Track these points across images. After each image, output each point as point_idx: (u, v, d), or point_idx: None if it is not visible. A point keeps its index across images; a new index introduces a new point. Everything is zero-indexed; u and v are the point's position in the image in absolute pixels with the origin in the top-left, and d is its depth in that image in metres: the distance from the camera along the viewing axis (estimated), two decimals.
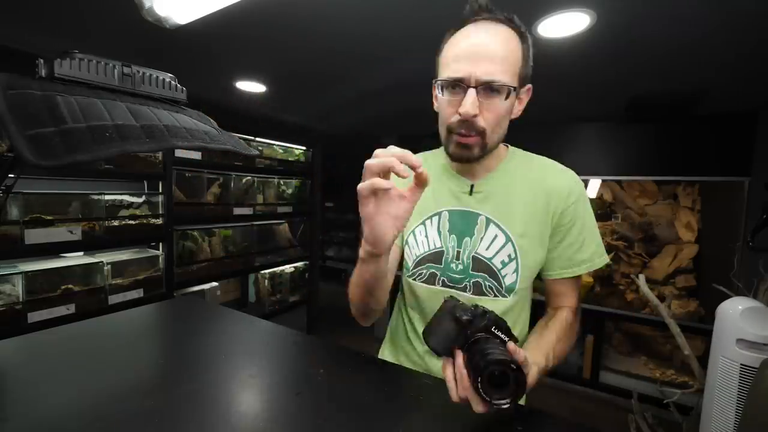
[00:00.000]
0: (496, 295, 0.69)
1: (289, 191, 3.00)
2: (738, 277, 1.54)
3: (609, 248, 2.88)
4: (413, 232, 0.76)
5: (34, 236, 1.50)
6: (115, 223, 1.79)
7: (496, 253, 0.69)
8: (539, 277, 0.74)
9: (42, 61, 0.52)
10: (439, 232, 0.72)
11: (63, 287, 1.62)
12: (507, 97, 0.61)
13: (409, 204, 0.53)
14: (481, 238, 0.70)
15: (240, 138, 0.71)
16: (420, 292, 0.75)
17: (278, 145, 2.90)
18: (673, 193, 2.79)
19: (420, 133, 3.32)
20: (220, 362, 0.74)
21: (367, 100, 2.16)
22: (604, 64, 1.52)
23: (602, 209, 3.00)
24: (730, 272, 1.60)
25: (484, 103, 0.60)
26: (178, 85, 0.66)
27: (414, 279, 0.76)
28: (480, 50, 0.60)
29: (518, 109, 0.68)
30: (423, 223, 0.75)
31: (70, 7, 1.18)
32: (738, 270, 1.69)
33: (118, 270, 1.84)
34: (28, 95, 0.46)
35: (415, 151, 0.86)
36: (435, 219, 0.73)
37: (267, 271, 2.83)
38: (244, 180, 2.61)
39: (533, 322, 0.78)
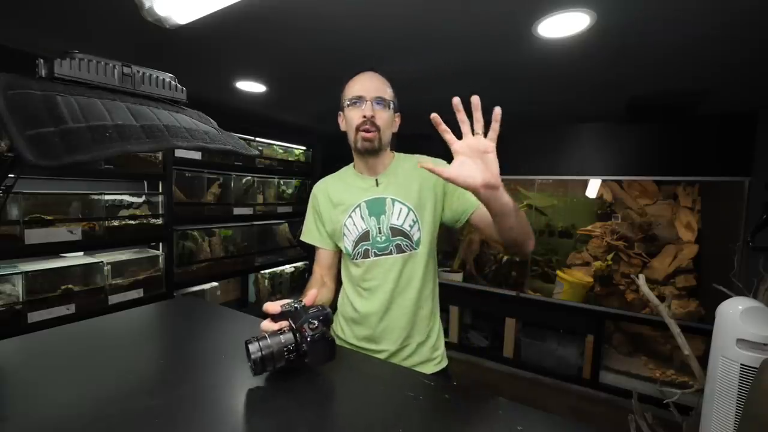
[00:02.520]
0: (411, 249, 0.95)
1: (289, 191, 3.00)
2: (738, 277, 1.54)
3: (609, 248, 2.89)
4: (345, 224, 0.99)
5: (34, 236, 1.50)
6: (115, 223, 1.79)
7: (404, 220, 0.95)
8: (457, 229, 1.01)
9: (42, 61, 0.52)
10: (362, 218, 0.98)
11: (63, 287, 1.62)
12: (389, 108, 0.96)
13: None
14: (392, 213, 0.96)
15: (240, 138, 0.71)
16: (362, 268, 0.98)
17: (278, 145, 2.90)
18: (673, 193, 2.79)
19: (416, 133, 3.33)
20: (220, 362, 0.74)
21: None
22: (604, 64, 1.52)
23: (602, 209, 3.00)
24: (730, 272, 1.60)
25: (377, 109, 0.94)
26: (178, 85, 0.66)
27: (355, 259, 0.99)
28: (371, 82, 0.96)
29: (396, 126, 1.01)
30: (350, 215, 0.99)
31: (70, 7, 1.18)
32: (738, 270, 1.69)
33: (118, 270, 1.84)
34: (28, 95, 0.46)
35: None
36: (357, 210, 0.99)
37: (267, 271, 2.83)
38: (244, 180, 2.61)
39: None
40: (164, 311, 1.10)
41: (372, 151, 0.96)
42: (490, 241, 0.94)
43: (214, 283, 2.42)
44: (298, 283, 3.13)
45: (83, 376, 0.68)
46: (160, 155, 1.95)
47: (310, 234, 1.11)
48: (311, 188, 1.15)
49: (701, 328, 2.17)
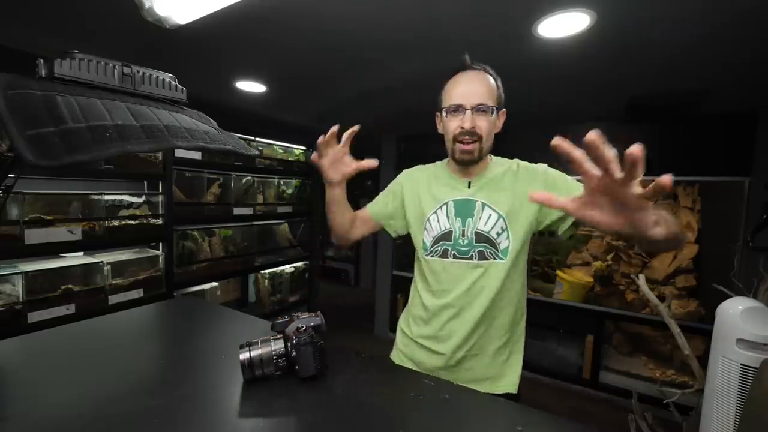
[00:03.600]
0: (495, 258, 0.90)
1: (289, 191, 3.00)
2: (738, 277, 1.54)
3: (609, 248, 2.89)
4: (428, 219, 0.97)
5: (34, 236, 1.50)
6: (115, 223, 1.79)
7: (492, 227, 0.91)
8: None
9: (42, 61, 0.52)
10: (447, 217, 0.95)
11: (63, 287, 1.62)
12: (491, 115, 0.89)
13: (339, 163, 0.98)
14: (480, 218, 0.92)
15: (240, 138, 0.71)
16: (435, 266, 0.95)
17: (278, 145, 2.90)
18: (673, 193, 2.79)
19: (419, 133, 3.32)
20: (220, 362, 0.74)
21: (366, 100, 2.16)
22: (604, 64, 1.52)
23: None
24: (730, 272, 1.60)
25: (477, 118, 0.87)
26: (178, 85, 0.66)
27: (431, 256, 0.96)
28: (471, 87, 0.89)
29: (499, 126, 0.94)
30: (435, 212, 0.97)
31: (70, 7, 1.18)
32: (738, 270, 1.69)
33: (118, 270, 1.84)
34: (28, 95, 0.46)
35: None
36: (444, 207, 0.96)
37: (267, 271, 2.83)
38: (244, 180, 2.61)
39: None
40: (164, 311, 1.10)
41: (471, 162, 0.92)
42: None
43: (214, 283, 2.42)
44: (298, 283, 3.13)
45: (83, 376, 0.68)
46: (160, 155, 1.95)
47: (376, 206, 1.09)
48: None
49: (701, 328, 2.17)
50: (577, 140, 0.50)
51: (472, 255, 0.91)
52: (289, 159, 2.96)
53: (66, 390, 0.63)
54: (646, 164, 0.47)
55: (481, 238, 0.90)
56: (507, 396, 0.90)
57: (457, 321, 0.91)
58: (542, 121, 2.61)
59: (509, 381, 0.93)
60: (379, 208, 1.08)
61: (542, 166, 0.95)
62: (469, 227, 0.91)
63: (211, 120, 0.69)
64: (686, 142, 2.29)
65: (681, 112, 2.16)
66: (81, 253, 1.80)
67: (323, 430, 0.54)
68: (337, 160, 0.96)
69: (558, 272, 2.85)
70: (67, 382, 0.66)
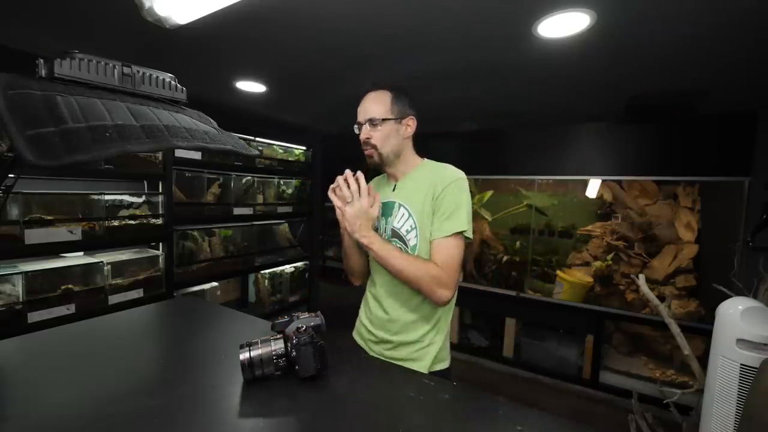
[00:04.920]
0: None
1: (289, 191, 3.00)
2: (738, 277, 1.54)
3: (609, 248, 2.89)
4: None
5: (34, 236, 1.50)
6: (115, 223, 1.79)
7: (403, 224, 1.02)
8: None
9: (42, 61, 0.52)
10: (378, 217, 1.06)
11: (63, 287, 1.62)
12: (382, 124, 1.00)
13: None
14: (396, 217, 1.03)
15: (240, 138, 0.71)
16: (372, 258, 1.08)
17: (278, 145, 2.90)
18: (673, 193, 2.79)
19: (419, 133, 3.32)
20: (220, 362, 0.74)
21: None
22: (604, 64, 1.52)
23: (602, 209, 3.00)
24: (730, 272, 1.60)
25: (371, 130, 1.01)
26: (178, 85, 0.66)
27: None
28: (364, 106, 1.03)
29: (410, 131, 1.05)
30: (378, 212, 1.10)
31: (70, 7, 1.18)
32: (738, 270, 1.69)
33: (118, 270, 1.84)
34: (28, 95, 0.46)
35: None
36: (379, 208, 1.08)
37: (267, 271, 2.83)
38: (244, 180, 2.61)
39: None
40: (164, 311, 1.10)
41: (376, 166, 1.06)
42: None
43: (214, 283, 2.42)
44: (298, 283, 3.13)
45: (83, 376, 0.68)
46: (160, 155, 1.95)
47: None
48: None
49: (701, 328, 2.17)
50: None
51: None
52: (289, 159, 2.96)
53: (66, 390, 0.63)
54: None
55: (395, 234, 1.03)
56: (436, 373, 1.00)
57: (381, 309, 1.04)
58: (542, 121, 2.61)
59: (423, 365, 1.00)
60: None
61: (450, 179, 0.99)
62: (389, 224, 1.04)
63: (211, 120, 0.69)
64: (686, 142, 2.29)
65: (681, 111, 2.16)
66: (81, 253, 1.80)
67: (323, 430, 0.54)
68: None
69: (558, 272, 2.85)
70: (67, 382, 0.66)
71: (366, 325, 1.09)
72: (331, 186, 1.00)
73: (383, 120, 1.00)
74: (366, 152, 1.04)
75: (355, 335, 1.16)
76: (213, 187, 2.40)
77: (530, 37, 1.29)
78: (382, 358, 0.97)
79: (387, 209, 1.06)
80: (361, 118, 1.03)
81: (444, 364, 1.04)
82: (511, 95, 2.01)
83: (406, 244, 1.00)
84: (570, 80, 1.73)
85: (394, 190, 1.07)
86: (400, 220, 1.02)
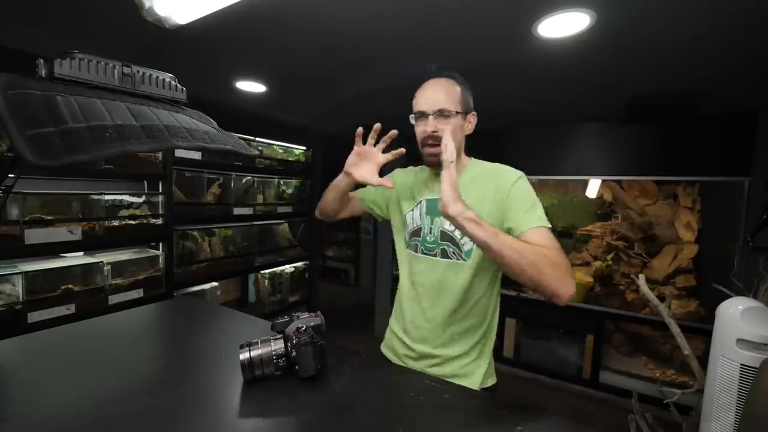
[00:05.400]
0: (458, 259, 0.91)
1: (289, 191, 3.00)
2: (738, 277, 1.54)
3: (609, 248, 2.89)
4: (405, 215, 1.03)
5: (34, 236, 1.50)
6: (115, 223, 1.79)
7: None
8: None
9: (42, 61, 0.52)
10: (420, 215, 0.99)
11: (63, 287, 1.62)
12: (452, 118, 0.91)
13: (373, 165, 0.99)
14: None
15: (240, 138, 0.71)
16: (410, 258, 1.01)
17: (278, 145, 2.90)
18: (673, 193, 2.79)
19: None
20: (220, 362, 0.74)
21: (367, 100, 2.16)
22: (604, 64, 1.52)
23: (602, 209, 3.00)
24: (730, 272, 1.60)
25: (440, 122, 0.91)
26: (178, 85, 0.66)
27: (408, 249, 1.02)
28: (432, 94, 0.93)
29: (470, 128, 0.97)
30: (412, 209, 1.02)
31: (70, 7, 1.18)
32: (738, 270, 1.69)
33: (118, 270, 1.84)
34: (28, 95, 0.46)
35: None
36: (418, 206, 1.01)
37: (267, 271, 2.83)
38: (244, 180, 2.61)
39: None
40: (164, 311, 1.10)
41: (438, 165, 0.93)
42: None
43: (214, 283, 2.42)
44: (298, 283, 3.13)
45: (83, 376, 0.68)
46: (160, 155, 1.95)
47: (368, 191, 1.14)
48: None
49: (701, 328, 2.17)
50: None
51: (436, 252, 0.94)
52: (289, 159, 2.96)
53: (66, 390, 0.63)
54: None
55: (445, 236, 0.93)
56: (487, 389, 0.93)
57: (423, 318, 0.95)
58: (542, 121, 2.61)
59: (474, 381, 0.92)
60: (371, 194, 1.14)
61: (515, 176, 0.91)
62: (436, 225, 0.95)
63: (211, 120, 0.69)
64: (686, 142, 2.29)
65: (681, 111, 2.16)
66: (81, 253, 1.80)
67: (323, 430, 0.54)
68: (367, 157, 0.99)
69: None
70: (67, 382, 0.66)
71: (401, 338, 0.99)
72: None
73: (455, 112, 0.90)
74: (429, 149, 0.92)
75: (385, 350, 1.06)
76: (213, 187, 2.40)
77: (530, 37, 1.29)
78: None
79: (434, 207, 0.94)
80: (427, 107, 0.91)
81: (493, 380, 0.96)
82: (511, 95, 2.01)
83: (459, 249, 0.91)
84: (570, 80, 1.73)
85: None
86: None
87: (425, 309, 0.94)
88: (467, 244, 0.90)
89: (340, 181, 1.02)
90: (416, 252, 0.98)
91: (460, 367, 0.92)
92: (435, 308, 0.93)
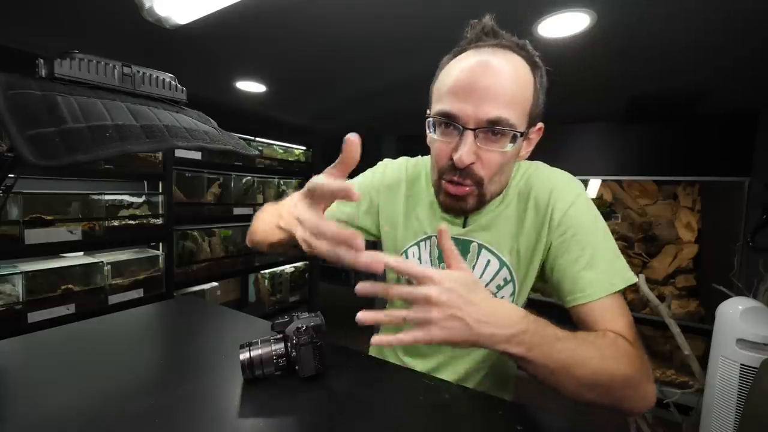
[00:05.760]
0: None
1: (289, 191, 3.00)
2: (738, 277, 1.54)
3: None
4: (407, 251, 0.71)
5: (34, 236, 1.50)
6: (115, 223, 1.79)
7: (492, 278, 0.64)
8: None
9: (42, 61, 0.52)
10: (430, 257, 0.67)
11: (63, 287, 1.62)
12: (512, 142, 0.52)
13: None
14: (474, 266, 0.64)
15: (240, 138, 0.71)
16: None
17: (278, 145, 2.90)
18: (673, 193, 2.79)
19: (419, 133, 3.32)
20: (220, 362, 0.74)
21: (367, 100, 2.16)
22: (604, 64, 1.52)
23: (602, 209, 3.00)
24: (730, 272, 1.60)
25: (483, 148, 0.52)
26: (178, 85, 0.66)
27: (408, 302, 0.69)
28: (481, 83, 0.49)
29: (527, 150, 0.61)
30: (417, 244, 0.70)
31: (70, 7, 1.18)
32: (738, 270, 1.69)
33: (118, 270, 1.84)
34: (28, 95, 0.46)
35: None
36: (427, 243, 0.68)
37: (267, 271, 2.83)
38: (244, 180, 2.61)
39: None
40: (164, 311, 1.09)
41: (460, 213, 0.62)
42: None
43: (214, 283, 2.42)
44: (297, 283, 3.13)
45: (83, 376, 0.68)
46: (160, 155, 1.95)
47: (341, 204, 0.74)
48: None
49: (701, 328, 2.17)
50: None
51: None
52: (289, 159, 2.96)
53: (66, 390, 0.63)
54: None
55: None
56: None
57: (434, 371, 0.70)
58: (542, 121, 2.61)
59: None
60: (343, 215, 0.77)
61: (573, 189, 0.59)
62: None
63: (211, 120, 0.69)
64: (686, 142, 2.29)
65: (681, 111, 2.16)
66: (81, 253, 1.81)
67: (323, 430, 0.54)
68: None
69: None
70: (67, 382, 0.66)
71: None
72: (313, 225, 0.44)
73: (519, 134, 0.52)
74: (452, 188, 0.56)
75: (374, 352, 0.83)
76: (213, 187, 2.40)
77: (530, 38, 1.28)
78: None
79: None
80: (467, 110, 0.50)
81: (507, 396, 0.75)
82: None
83: None
84: (570, 80, 1.73)
85: (464, 225, 0.66)
86: (484, 272, 0.64)
87: (436, 367, 0.71)
88: (506, 298, 0.65)
89: (281, 234, 0.65)
90: None
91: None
92: (450, 368, 0.69)
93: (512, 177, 0.64)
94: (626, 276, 0.55)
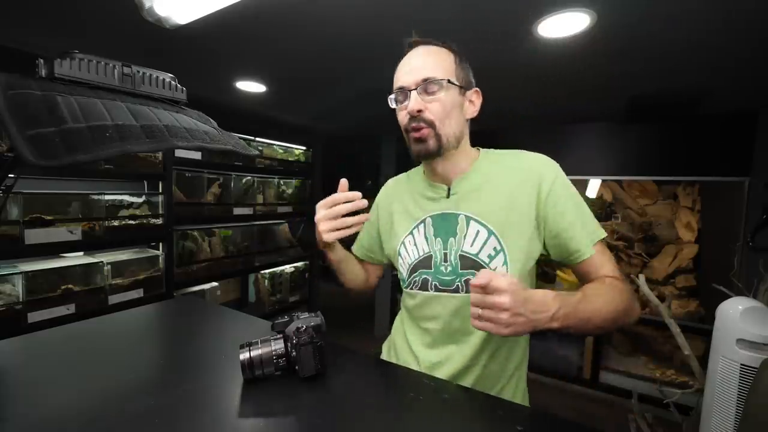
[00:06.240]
0: None
1: (289, 191, 3.00)
2: (738, 277, 1.54)
3: (609, 248, 2.89)
4: (403, 242, 0.80)
5: (34, 236, 1.50)
6: (115, 223, 1.79)
7: (482, 247, 0.71)
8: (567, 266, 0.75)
9: (42, 61, 0.52)
10: (426, 238, 0.76)
11: (63, 287, 1.62)
12: (445, 92, 0.69)
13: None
14: (464, 236, 0.72)
15: (240, 138, 0.71)
16: (417, 300, 0.78)
17: (278, 145, 2.90)
18: (673, 193, 2.79)
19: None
20: (220, 362, 0.74)
21: (367, 100, 2.16)
22: (604, 64, 1.52)
23: (602, 209, 3.00)
24: (730, 272, 1.60)
25: (426, 100, 0.70)
26: (178, 85, 0.66)
27: (410, 288, 0.79)
28: (414, 62, 0.72)
29: (473, 110, 0.76)
30: (411, 232, 0.79)
31: (70, 7, 1.18)
32: (738, 270, 1.69)
33: (118, 270, 1.84)
34: (28, 95, 0.46)
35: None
36: (421, 226, 0.77)
37: (267, 271, 2.83)
38: (244, 180, 2.61)
39: None
40: (164, 311, 1.10)
41: (429, 155, 0.72)
42: None
43: (214, 283, 2.42)
44: (297, 283, 3.13)
45: (83, 376, 0.68)
46: (160, 155, 1.95)
47: (360, 247, 0.93)
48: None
49: (701, 328, 2.17)
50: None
51: (456, 287, 0.72)
52: (289, 159, 2.96)
53: (66, 390, 0.63)
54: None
55: (467, 263, 0.71)
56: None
57: (441, 354, 0.76)
58: (542, 121, 2.61)
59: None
60: (362, 249, 0.93)
61: (549, 169, 0.72)
62: (452, 249, 0.72)
63: (211, 120, 0.69)
64: (686, 142, 2.29)
65: (681, 111, 2.16)
66: (81, 253, 1.80)
67: (323, 430, 0.54)
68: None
69: (558, 272, 2.85)
70: (67, 382, 0.66)
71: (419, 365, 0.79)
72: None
73: (448, 82, 0.69)
74: (415, 134, 0.71)
75: (390, 359, 0.87)
76: (213, 187, 2.40)
77: (530, 38, 1.29)
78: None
79: (445, 225, 0.74)
80: (408, 79, 0.70)
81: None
82: (511, 95, 2.01)
83: None
84: (570, 80, 1.73)
85: (448, 196, 0.75)
86: (474, 242, 0.71)
87: (446, 354, 0.75)
88: (499, 268, 0.70)
89: (330, 257, 0.81)
90: (426, 290, 0.75)
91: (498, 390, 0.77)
92: (459, 352, 0.74)
93: (483, 158, 0.78)
94: (601, 228, 0.72)
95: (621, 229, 2.89)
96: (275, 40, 1.39)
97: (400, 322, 0.87)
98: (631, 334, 2.72)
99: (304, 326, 0.66)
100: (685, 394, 1.45)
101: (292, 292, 3.07)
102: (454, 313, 0.73)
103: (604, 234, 0.71)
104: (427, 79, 0.69)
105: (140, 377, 0.69)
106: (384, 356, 0.91)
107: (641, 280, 1.59)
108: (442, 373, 0.74)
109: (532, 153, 0.76)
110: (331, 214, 0.68)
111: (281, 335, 0.68)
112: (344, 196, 0.67)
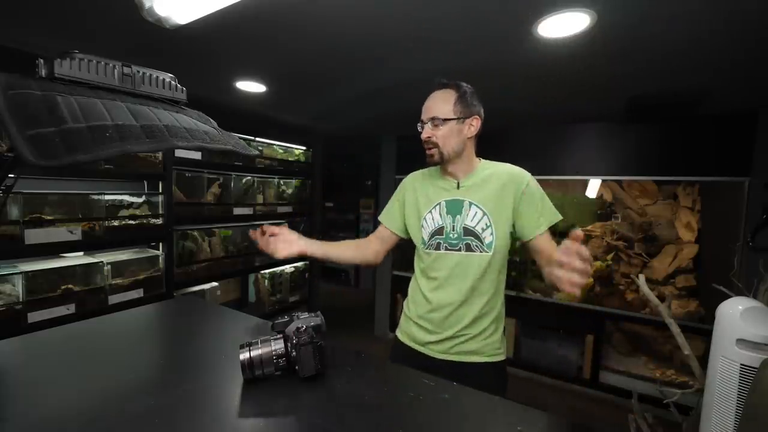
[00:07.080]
0: (480, 251, 1.04)
1: (289, 191, 3.00)
2: (738, 277, 1.54)
3: (609, 248, 2.89)
4: (425, 217, 1.12)
5: (34, 236, 1.50)
6: (115, 223, 1.79)
7: (478, 223, 1.05)
8: (522, 245, 1.09)
9: (42, 61, 0.52)
10: (441, 215, 1.10)
11: (63, 287, 1.62)
12: (445, 125, 1.03)
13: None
14: (468, 215, 1.06)
15: (240, 138, 0.71)
16: (431, 257, 1.10)
17: (278, 145, 2.90)
18: (673, 193, 2.79)
19: (418, 133, 3.33)
20: (220, 362, 0.74)
21: (367, 100, 2.16)
22: (604, 64, 1.52)
23: (602, 209, 3.00)
24: (730, 272, 1.60)
25: (434, 129, 1.04)
26: (178, 85, 0.66)
27: (427, 248, 1.11)
28: (427, 104, 1.08)
29: (473, 131, 1.07)
30: (430, 211, 1.12)
31: (70, 7, 1.18)
32: (738, 270, 1.69)
33: (118, 270, 1.84)
34: (28, 95, 0.46)
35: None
36: (437, 207, 1.11)
37: (267, 271, 2.83)
38: (244, 180, 2.61)
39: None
40: (164, 311, 1.10)
41: (436, 164, 1.09)
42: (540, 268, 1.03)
43: (214, 283, 2.42)
44: (297, 283, 3.13)
45: (83, 376, 0.68)
46: (160, 155, 1.95)
47: (389, 216, 1.23)
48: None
49: (701, 328, 2.17)
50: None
51: (460, 247, 1.06)
52: (289, 159, 2.96)
53: (66, 390, 0.63)
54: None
55: (468, 232, 1.05)
56: (495, 364, 1.07)
57: (445, 293, 1.06)
58: (542, 121, 2.61)
59: (493, 356, 1.07)
60: (393, 220, 1.22)
61: (525, 176, 1.07)
62: (459, 223, 1.06)
63: (211, 120, 0.69)
64: (686, 142, 2.29)
65: (681, 111, 2.16)
66: (81, 253, 1.80)
67: (323, 430, 0.54)
68: (277, 240, 1.07)
69: None
70: (67, 382, 0.66)
71: (422, 325, 1.10)
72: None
73: (444, 120, 1.03)
74: (428, 151, 1.07)
75: (401, 336, 1.16)
76: (213, 187, 2.40)
77: (530, 37, 1.29)
78: (448, 358, 1.05)
79: (454, 207, 1.08)
80: (424, 116, 1.06)
81: (505, 355, 1.10)
82: (511, 95, 2.01)
83: (481, 242, 1.04)
84: (570, 80, 1.73)
85: (458, 188, 1.09)
86: (473, 219, 1.05)
87: (448, 293, 1.05)
88: (487, 237, 1.04)
89: (309, 256, 1.11)
90: (438, 249, 1.08)
91: (482, 344, 1.05)
92: (457, 291, 1.05)
93: (483, 166, 1.11)
94: (557, 216, 1.06)
95: (621, 229, 2.89)
96: (275, 40, 1.39)
97: (414, 279, 1.18)
98: (631, 334, 2.72)
99: (304, 326, 0.66)
100: (685, 394, 1.45)
101: (292, 292, 3.07)
102: (455, 266, 1.05)
103: (547, 226, 1.04)
104: (433, 117, 1.04)
105: (140, 377, 0.69)
106: (404, 310, 1.18)
107: (641, 280, 1.59)
108: (446, 310, 1.05)
109: (515, 166, 1.11)
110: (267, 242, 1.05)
111: (281, 335, 0.68)
112: (270, 230, 1.06)
